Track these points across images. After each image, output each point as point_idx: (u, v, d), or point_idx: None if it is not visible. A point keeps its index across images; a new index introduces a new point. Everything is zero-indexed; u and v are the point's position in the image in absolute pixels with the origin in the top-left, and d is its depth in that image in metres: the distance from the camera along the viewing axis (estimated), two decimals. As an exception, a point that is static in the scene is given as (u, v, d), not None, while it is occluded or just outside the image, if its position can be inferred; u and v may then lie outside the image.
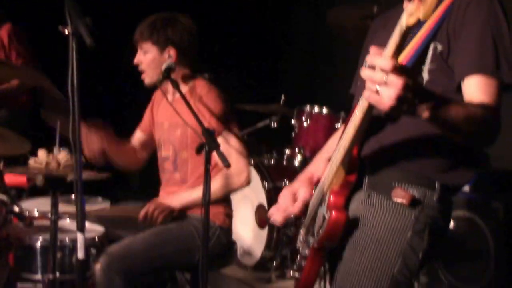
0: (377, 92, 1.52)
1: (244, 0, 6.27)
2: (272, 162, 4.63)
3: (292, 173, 4.37)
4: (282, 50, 6.55)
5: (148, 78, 3.14)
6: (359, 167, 1.95)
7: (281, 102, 4.87)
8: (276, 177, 4.42)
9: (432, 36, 1.84)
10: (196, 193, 3.07)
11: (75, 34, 2.15)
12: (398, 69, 1.49)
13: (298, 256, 2.18)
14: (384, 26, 2.17)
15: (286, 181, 4.38)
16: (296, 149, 4.49)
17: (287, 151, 4.60)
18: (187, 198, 3.10)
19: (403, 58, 1.78)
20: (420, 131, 1.89)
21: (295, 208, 2.17)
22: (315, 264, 2.04)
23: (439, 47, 1.85)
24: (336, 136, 2.32)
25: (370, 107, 1.69)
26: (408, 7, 1.46)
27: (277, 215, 2.19)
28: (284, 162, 4.59)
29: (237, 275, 4.34)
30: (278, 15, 6.50)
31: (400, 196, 1.91)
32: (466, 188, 3.66)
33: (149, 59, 3.12)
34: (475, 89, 1.80)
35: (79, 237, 2.28)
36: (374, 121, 1.82)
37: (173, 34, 3.12)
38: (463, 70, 1.82)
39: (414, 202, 1.90)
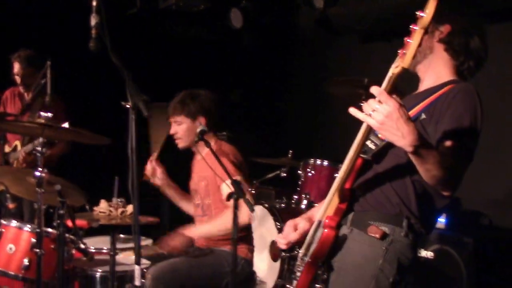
0: (370, 115, 1.75)
1: (257, 73, 6.64)
2: (283, 206, 4.52)
3: (299, 215, 4.42)
4: (289, 114, 6.84)
5: (183, 143, 3.36)
6: (349, 199, 2.15)
7: (289, 156, 4.93)
8: (286, 218, 4.03)
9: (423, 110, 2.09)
10: (208, 228, 3.32)
11: (134, 107, 2.35)
12: (387, 98, 1.71)
13: (296, 273, 2.27)
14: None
15: (295, 222, 4.54)
16: (303, 195, 4.45)
17: (295, 197, 4.54)
18: (202, 230, 3.32)
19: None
20: (395, 182, 2.10)
21: (295, 236, 2.35)
22: (307, 276, 2.19)
23: (423, 116, 2.08)
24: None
25: (365, 134, 1.92)
26: (394, 62, 1.75)
27: (281, 241, 2.39)
28: (293, 206, 4.53)
29: (254, 301, 4.35)
30: (284, 86, 6.85)
31: (373, 232, 2.10)
32: (443, 226, 3.80)
33: (184, 129, 3.34)
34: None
35: (136, 268, 2.42)
36: (363, 168, 2.09)
37: (201, 105, 3.33)
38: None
39: (384, 236, 2.08)
